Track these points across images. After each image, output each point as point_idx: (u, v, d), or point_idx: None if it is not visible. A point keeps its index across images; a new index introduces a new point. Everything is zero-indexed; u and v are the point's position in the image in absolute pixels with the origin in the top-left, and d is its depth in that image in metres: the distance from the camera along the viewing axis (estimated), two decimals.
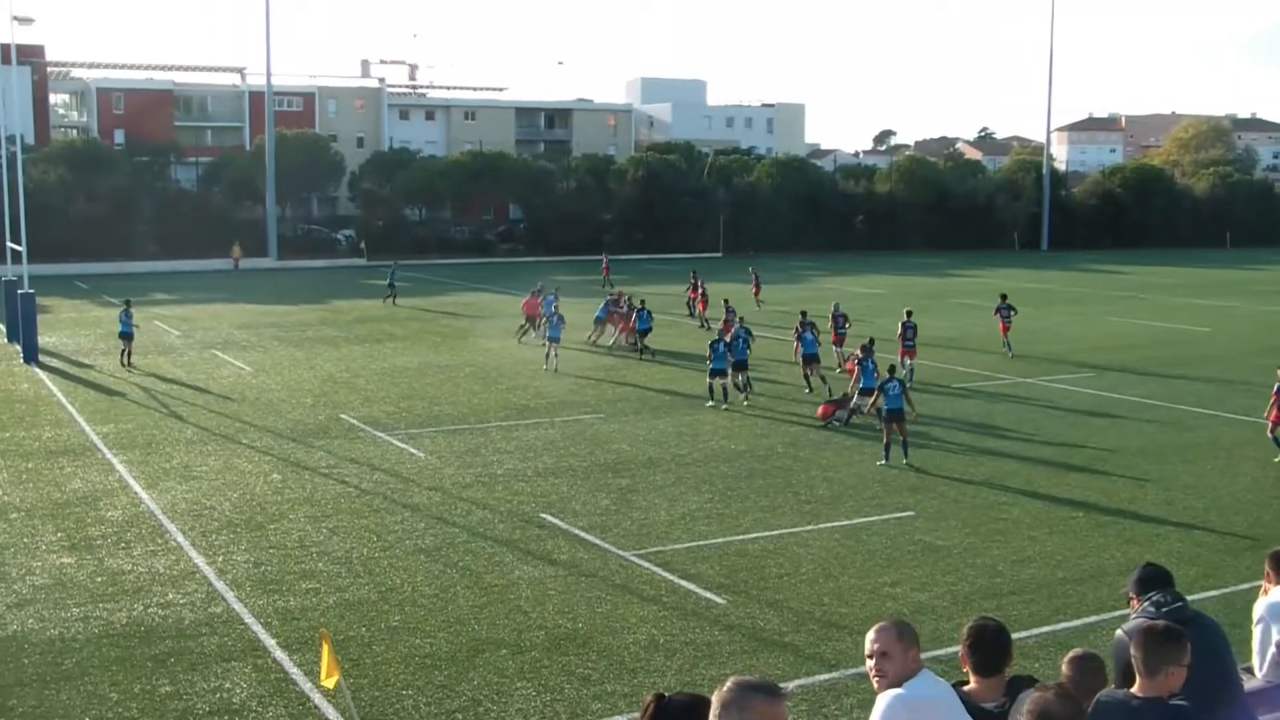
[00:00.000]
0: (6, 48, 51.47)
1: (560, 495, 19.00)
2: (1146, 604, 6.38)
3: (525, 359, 33.63)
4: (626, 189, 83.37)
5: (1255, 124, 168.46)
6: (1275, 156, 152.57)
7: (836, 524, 17.41)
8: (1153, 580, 6.56)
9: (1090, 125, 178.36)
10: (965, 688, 5.70)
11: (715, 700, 4.11)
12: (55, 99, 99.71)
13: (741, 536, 16.79)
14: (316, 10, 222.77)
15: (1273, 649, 7.17)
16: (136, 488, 19.51)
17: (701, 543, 16.45)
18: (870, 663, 5.38)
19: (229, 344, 37.12)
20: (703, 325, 40.21)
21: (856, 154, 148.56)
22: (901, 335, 30.13)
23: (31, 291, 33.85)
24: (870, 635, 5.41)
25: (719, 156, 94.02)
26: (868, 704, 5.45)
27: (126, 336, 32.54)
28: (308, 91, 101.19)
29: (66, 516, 17.84)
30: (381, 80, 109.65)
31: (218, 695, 11.57)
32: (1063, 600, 14.21)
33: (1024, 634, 12.68)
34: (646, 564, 15.51)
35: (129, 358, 32.47)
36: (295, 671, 12.11)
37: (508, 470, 20.68)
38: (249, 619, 13.57)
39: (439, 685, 11.79)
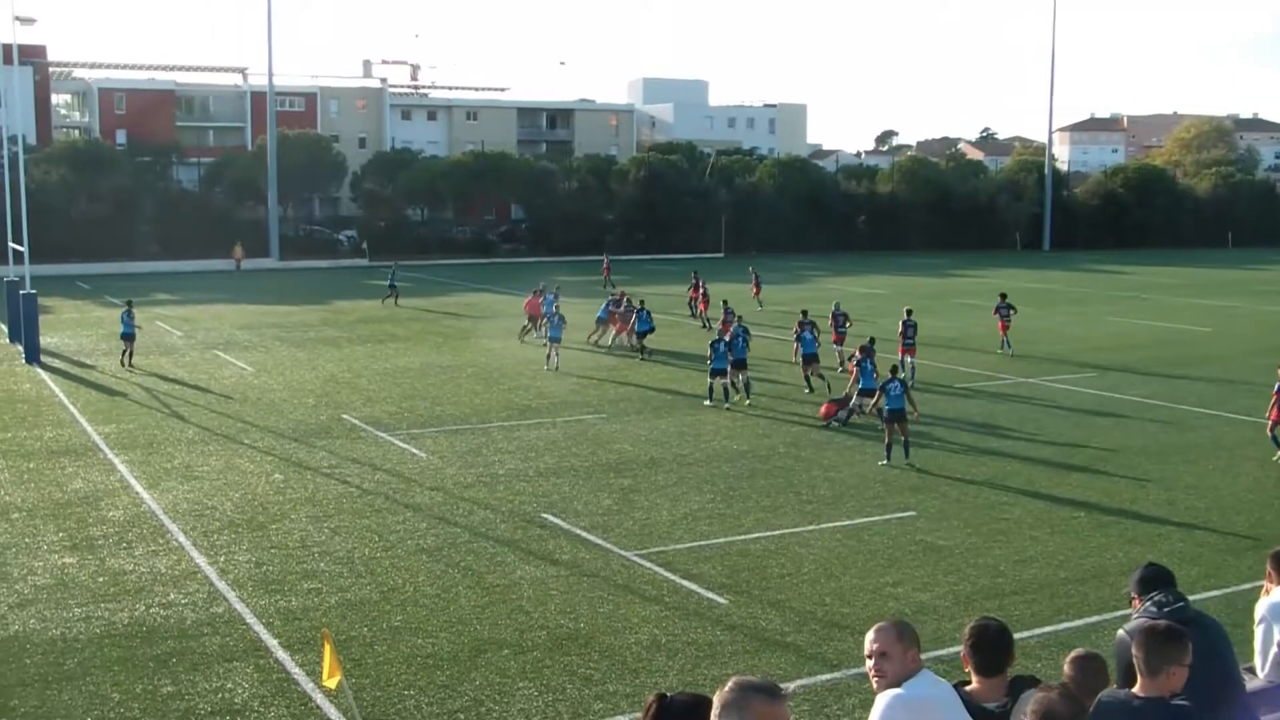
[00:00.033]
0: (9, 48, 51.52)
1: (562, 495, 19.00)
2: (1148, 604, 6.38)
3: (527, 359, 33.64)
4: (628, 189, 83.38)
5: (1257, 124, 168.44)
6: (1277, 157, 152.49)
7: (838, 524, 17.40)
8: (1154, 580, 6.56)
9: (1092, 125, 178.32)
10: (967, 688, 5.70)
11: (716, 700, 4.12)
12: (57, 99, 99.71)
13: (743, 536, 16.79)
14: (318, 10, 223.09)
15: (1274, 649, 7.16)
16: (138, 488, 19.52)
17: (703, 543, 16.45)
18: (869, 663, 5.37)
19: (231, 344, 37.14)
20: (704, 325, 40.23)
21: (858, 154, 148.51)
22: (902, 334, 30.17)
23: (33, 292, 33.86)
24: (869, 635, 5.40)
25: (721, 157, 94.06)
26: (870, 704, 5.45)
27: (128, 337, 32.53)
28: (309, 92, 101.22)
29: (68, 516, 17.85)
30: (383, 80, 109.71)
31: (219, 695, 11.57)
32: (1064, 600, 14.20)
33: (1026, 634, 12.68)
34: (648, 564, 15.51)
35: (130, 358, 32.47)
36: (297, 671, 12.11)
37: (509, 470, 20.68)
38: (251, 619, 13.57)
39: (441, 685, 11.80)
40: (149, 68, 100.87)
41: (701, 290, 43.26)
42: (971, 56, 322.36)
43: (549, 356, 31.96)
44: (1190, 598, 6.61)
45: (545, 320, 34.21)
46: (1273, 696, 7.01)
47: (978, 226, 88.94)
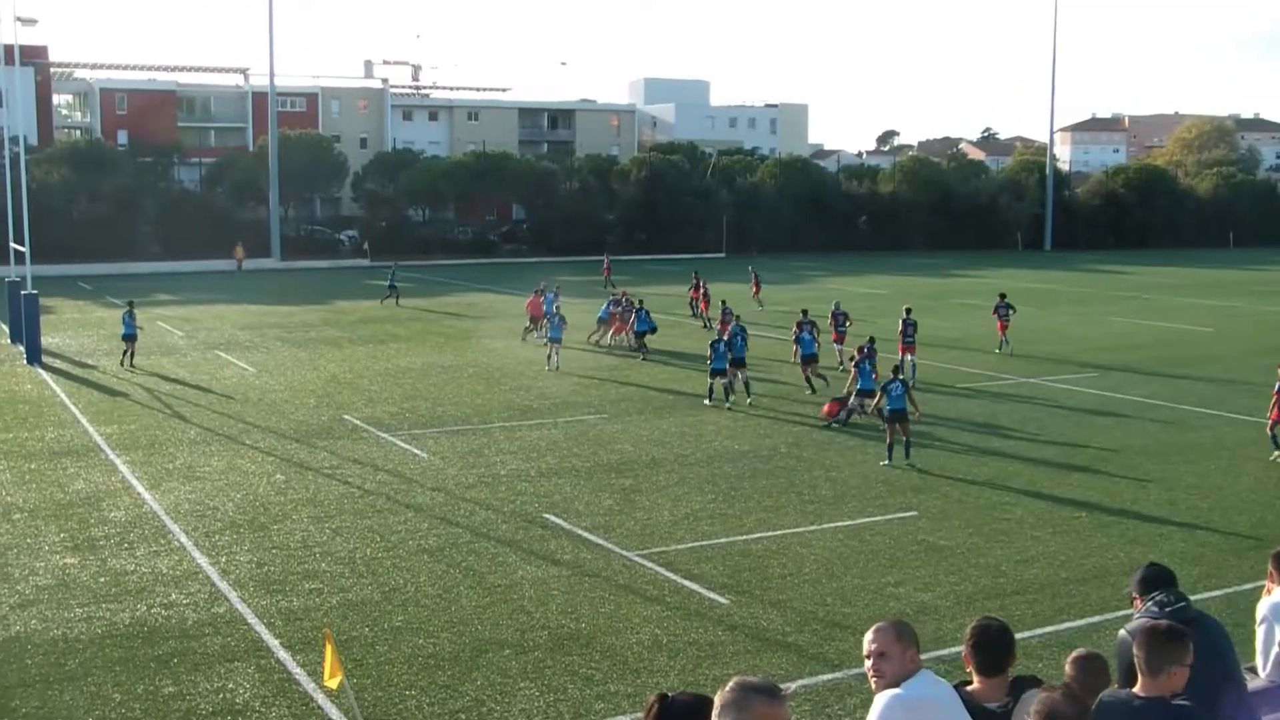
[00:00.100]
0: (10, 48, 51.43)
1: (563, 495, 19.00)
2: (1150, 604, 6.38)
3: (528, 359, 33.64)
4: (629, 189, 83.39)
5: (1258, 124, 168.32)
6: (1278, 157, 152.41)
7: (840, 524, 17.40)
8: (1156, 580, 6.56)
9: (1093, 125, 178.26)
10: (968, 688, 5.70)
11: (716, 700, 4.11)
12: (58, 100, 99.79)
13: (745, 537, 16.79)
14: (319, 11, 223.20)
15: (1276, 649, 7.16)
16: (139, 488, 19.53)
17: (705, 543, 16.46)
18: (868, 663, 5.36)
19: (232, 344, 37.15)
20: (705, 325, 40.23)
21: (860, 154, 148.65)
22: (902, 333, 30.20)
23: (35, 292, 33.87)
24: (868, 635, 5.39)
25: (722, 157, 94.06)
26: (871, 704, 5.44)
27: (130, 338, 32.52)
28: (311, 92, 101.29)
29: (70, 517, 17.86)
30: (385, 81, 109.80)
31: (221, 696, 11.58)
32: (1066, 600, 14.20)
33: (1027, 634, 12.67)
34: (650, 564, 15.51)
35: (131, 359, 32.45)
36: (298, 672, 12.12)
37: (511, 471, 20.69)
38: (252, 619, 13.58)
39: (442, 685, 11.80)
40: (150, 68, 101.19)
41: (702, 290, 43.29)
42: (973, 56, 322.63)
43: (549, 357, 31.97)
44: (1192, 598, 6.61)
45: (546, 320, 34.23)
46: (1274, 696, 7.01)
47: (979, 226, 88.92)
